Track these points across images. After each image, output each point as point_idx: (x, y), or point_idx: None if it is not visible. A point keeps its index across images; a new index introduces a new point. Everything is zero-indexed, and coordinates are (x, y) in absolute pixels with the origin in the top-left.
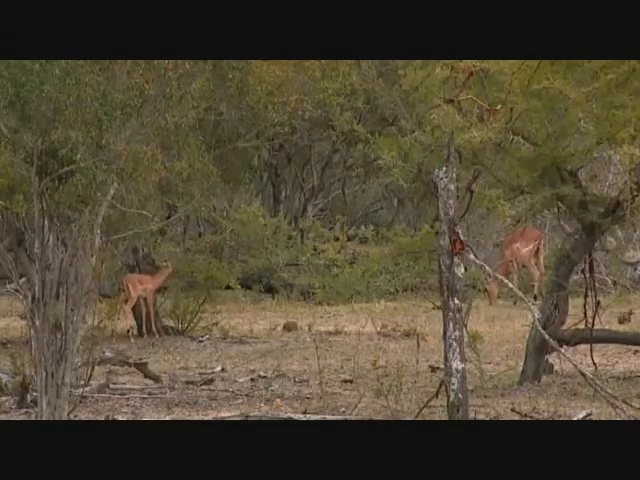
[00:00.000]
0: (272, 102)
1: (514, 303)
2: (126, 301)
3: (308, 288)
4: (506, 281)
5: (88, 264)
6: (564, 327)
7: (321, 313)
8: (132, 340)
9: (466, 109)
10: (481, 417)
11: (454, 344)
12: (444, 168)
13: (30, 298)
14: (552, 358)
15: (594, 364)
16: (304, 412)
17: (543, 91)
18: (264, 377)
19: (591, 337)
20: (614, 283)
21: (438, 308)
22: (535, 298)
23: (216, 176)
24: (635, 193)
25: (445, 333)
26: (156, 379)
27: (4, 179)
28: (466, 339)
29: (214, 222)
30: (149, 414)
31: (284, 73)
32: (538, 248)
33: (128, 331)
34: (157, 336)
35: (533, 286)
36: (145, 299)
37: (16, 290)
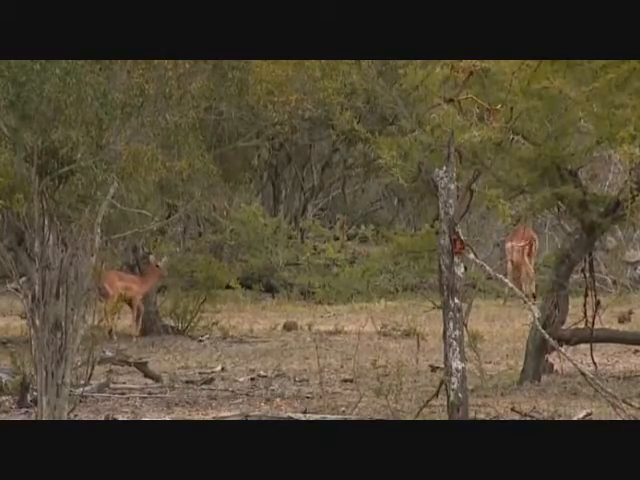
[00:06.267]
0: (272, 101)
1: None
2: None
3: (308, 288)
4: (506, 280)
5: (88, 264)
6: (564, 326)
7: (321, 313)
8: (135, 339)
9: (466, 109)
10: (481, 417)
11: (454, 343)
12: (444, 167)
13: (30, 297)
14: (552, 357)
15: (594, 363)
16: (304, 412)
17: (543, 91)
18: (264, 377)
19: (591, 336)
20: (614, 282)
21: (438, 307)
22: (534, 297)
23: (216, 175)
24: (635, 193)
25: (445, 332)
26: (156, 379)
27: (4, 178)
28: (466, 338)
29: (214, 221)
30: (149, 414)
31: (284, 73)
32: (530, 248)
33: (110, 331)
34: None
35: (531, 286)
36: (130, 300)
37: (16, 289)
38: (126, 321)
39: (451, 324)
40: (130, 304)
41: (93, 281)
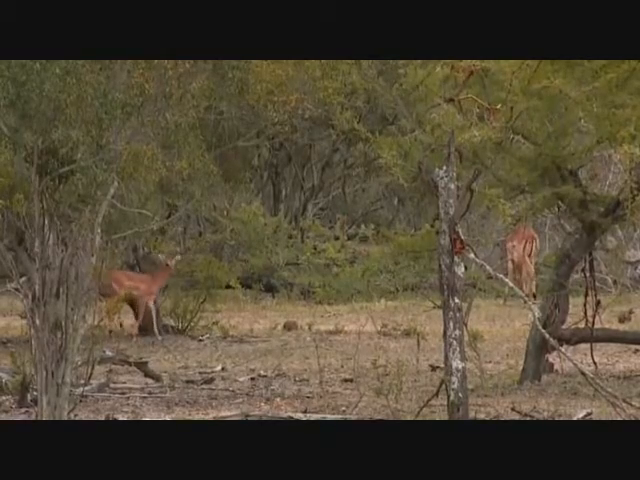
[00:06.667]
0: (272, 101)
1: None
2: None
3: (308, 287)
4: (506, 280)
5: (88, 263)
6: (564, 326)
7: (321, 312)
8: (135, 339)
9: (466, 108)
10: (481, 417)
11: (454, 343)
12: (444, 167)
13: (30, 297)
14: (552, 357)
15: (594, 363)
16: (304, 411)
17: (543, 90)
18: (264, 376)
19: (591, 336)
20: (614, 282)
21: (438, 307)
22: (535, 297)
23: (216, 175)
24: (635, 192)
25: (445, 332)
26: (156, 378)
27: (4, 178)
28: (466, 338)
29: (214, 221)
30: (149, 413)
31: (284, 72)
32: (531, 248)
33: (110, 332)
34: (159, 337)
35: (531, 286)
36: (132, 301)
37: (16, 289)
38: (127, 320)
39: (451, 324)
40: (132, 304)
41: (100, 281)
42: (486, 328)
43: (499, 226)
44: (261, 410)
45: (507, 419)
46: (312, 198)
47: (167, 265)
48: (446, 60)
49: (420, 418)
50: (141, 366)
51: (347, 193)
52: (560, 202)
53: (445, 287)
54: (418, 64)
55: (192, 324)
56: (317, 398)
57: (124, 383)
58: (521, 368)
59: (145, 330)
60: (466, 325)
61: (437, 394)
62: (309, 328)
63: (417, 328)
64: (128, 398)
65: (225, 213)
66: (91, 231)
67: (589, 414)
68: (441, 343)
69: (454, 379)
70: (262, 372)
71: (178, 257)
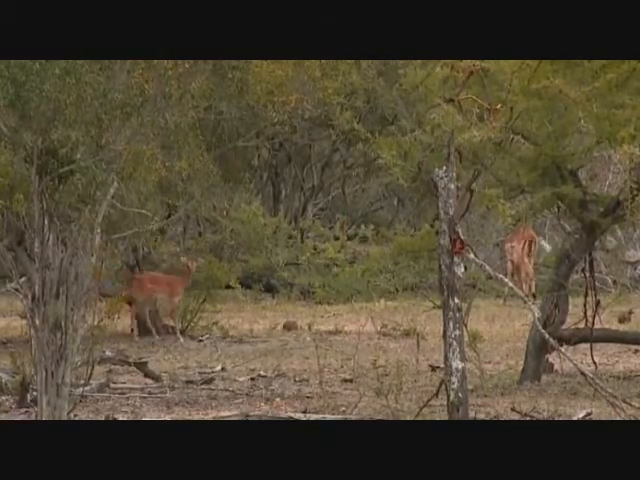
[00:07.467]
0: (272, 101)
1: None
2: (129, 302)
3: (308, 287)
4: (506, 280)
5: (88, 263)
6: (564, 326)
7: (321, 312)
8: (137, 339)
9: (466, 108)
10: (481, 417)
11: (454, 343)
12: (444, 167)
13: (30, 297)
14: (552, 357)
15: (594, 363)
16: (304, 411)
17: (543, 90)
18: (264, 376)
19: (591, 336)
20: (614, 282)
21: (438, 307)
22: (534, 297)
23: (216, 175)
24: (635, 192)
25: (445, 332)
26: (156, 378)
27: (4, 178)
28: (466, 338)
29: (214, 221)
30: (149, 413)
31: (284, 72)
32: (530, 248)
33: (132, 330)
34: (157, 337)
35: (530, 286)
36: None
37: (16, 289)
38: (127, 320)
39: (451, 324)
40: (130, 304)
41: (125, 284)
42: (486, 328)
43: (499, 226)
44: (261, 410)
45: (507, 419)
46: (312, 198)
47: (188, 267)
48: (446, 60)
49: (420, 418)
50: (141, 366)
51: (347, 193)
52: (560, 202)
53: (445, 287)
54: (418, 64)
55: (192, 324)
56: (317, 398)
57: (124, 383)
58: (521, 368)
59: (145, 330)
60: (466, 325)
61: (437, 394)
62: (309, 328)
63: (417, 328)
64: (128, 398)
65: (225, 213)
66: (91, 231)
67: (589, 414)
68: (441, 343)
69: (454, 379)
70: (262, 372)
71: (201, 260)
